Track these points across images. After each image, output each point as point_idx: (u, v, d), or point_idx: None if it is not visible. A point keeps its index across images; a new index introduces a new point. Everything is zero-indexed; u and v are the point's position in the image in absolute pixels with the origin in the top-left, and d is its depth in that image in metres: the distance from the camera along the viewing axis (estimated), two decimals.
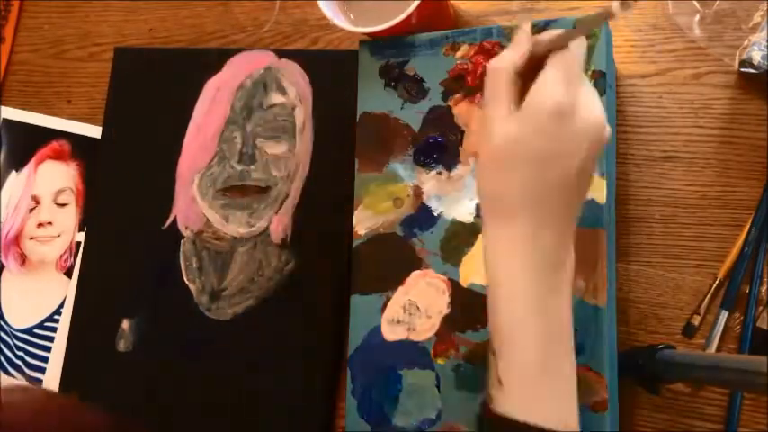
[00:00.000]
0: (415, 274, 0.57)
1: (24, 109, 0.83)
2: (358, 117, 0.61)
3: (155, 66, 0.75)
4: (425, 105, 0.59)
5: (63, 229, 0.79)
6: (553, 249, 0.41)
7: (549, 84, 0.40)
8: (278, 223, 0.67)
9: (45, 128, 0.81)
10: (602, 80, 0.54)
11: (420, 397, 0.55)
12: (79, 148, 0.79)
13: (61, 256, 0.78)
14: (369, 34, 0.60)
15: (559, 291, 0.42)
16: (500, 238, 0.42)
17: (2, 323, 0.79)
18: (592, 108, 0.41)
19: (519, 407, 0.40)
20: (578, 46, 0.42)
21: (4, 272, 0.80)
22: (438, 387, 0.55)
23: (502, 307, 0.42)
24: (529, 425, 0.39)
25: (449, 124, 0.58)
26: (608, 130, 0.42)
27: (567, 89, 0.39)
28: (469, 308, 0.55)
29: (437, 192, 0.58)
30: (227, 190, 0.70)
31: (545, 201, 0.41)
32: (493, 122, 0.41)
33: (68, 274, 0.77)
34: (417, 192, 0.58)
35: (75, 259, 0.77)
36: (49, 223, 0.79)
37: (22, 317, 0.78)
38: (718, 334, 0.57)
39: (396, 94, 0.60)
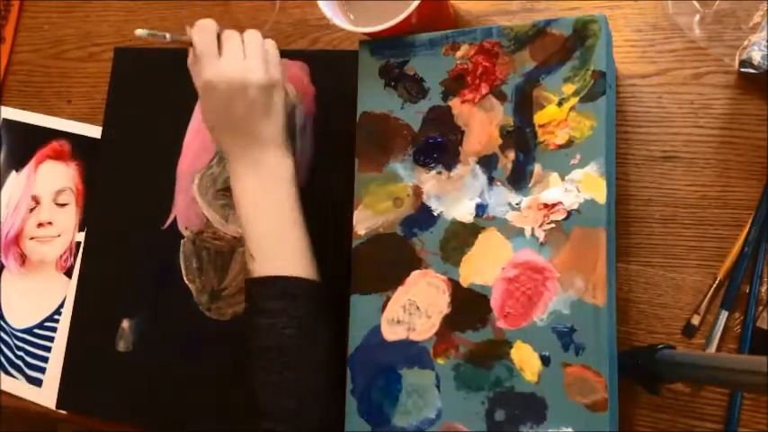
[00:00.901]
0: (415, 273, 0.57)
1: (24, 109, 0.83)
2: (358, 117, 0.61)
3: (155, 66, 0.75)
4: (425, 105, 0.59)
5: (63, 229, 0.79)
6: (261, 162, 0.59)
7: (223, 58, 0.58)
8: None
9: (45, 128, 0.82)
10: (602, 80, 0.54)
11: (420, 397, 0.55)
12: (79, 148, 0.80)
13: (61, 256, 0.78)
14: (369, 34, 0.60)
15: (277, 189, 0.59)
16: (230, 165, 0.60)
17: (2, 323, 0.79)
18: (222, 71, 0.58)
19: (265, 269, 0.57)
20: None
21: (4, 272, 0.80)
22: (438, 387, 0.55)
23: (242, 212, 0.59)
24: (273, 276, 0.57)
25: (449, 124, 0.58)
26: (252, 75, 0.57)
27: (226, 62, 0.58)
28: (469, 308, 0.55)
29: (437, 192, 0.58)
30: (227, 190, 0.70)
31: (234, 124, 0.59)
32: (204, 65, 0.58)
33: (68, 274, 0.77)
34: (417, 192, 0.58)
35: (75, 259, 0.77)
36: (49, 223, 0.79)
37: (21, 317, 0.78)
38: (718, 334, 0.57)
39: (396, 93, 0.60)
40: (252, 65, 0.58)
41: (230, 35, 0.59)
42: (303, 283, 0.57)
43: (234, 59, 0.58)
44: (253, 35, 0.59)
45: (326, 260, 0.65)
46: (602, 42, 0.54)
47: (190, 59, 0.60)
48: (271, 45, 0.60)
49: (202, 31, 0.58)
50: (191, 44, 0.59)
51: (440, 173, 0.58)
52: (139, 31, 0.57)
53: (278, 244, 0.58)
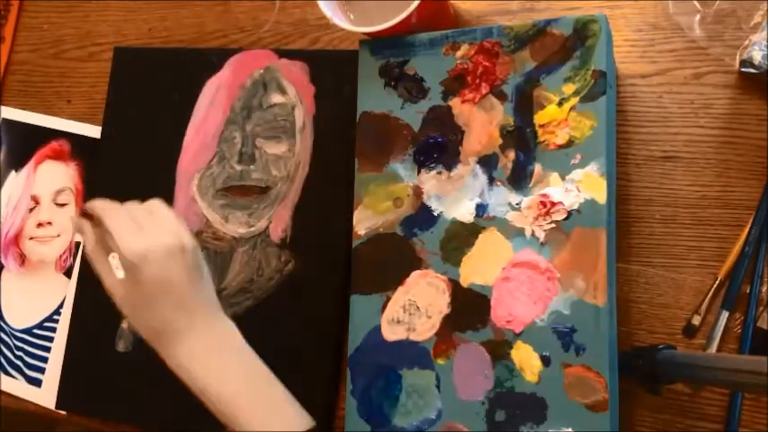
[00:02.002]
0: (415, 274, 0.57)
1: (24, 109, 0.83)
2: (358, 117, 0.61)
3: (155, 66, 0.75)
4: (425, 105, 0.59)
5: (62, 229, 0.79)
6: (211, 329, 0.54)
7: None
8: (278, 223, 0.67)
9: (44, 128, 0.81)
10: (602, 80, 0.54)
11: (420, 397, 0.55)
12: (79, 147, 0.79)
13: (61, 257, 0.78)
14: (369, 34, 0.60)
15: (234, 349, 0.55)
16: (178, 349, 0.54)
17: (1, 323, 0.79)
18: (154, 240, 0.52)
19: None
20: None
21: (4, 272, 0.80)
22: (438, 387, 0.55)
23: (203, 387, 0.54)
24: None
25: (449, 124, 0.58)
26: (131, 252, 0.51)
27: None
28: (469, 308, 0.55)
29: (437, 191, 0.58)
30: (226, 190, 0.70)
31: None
32: (129, 241, 0.52)
33: (68, 274, 0.77)
34: (417, 191, 0.58)
35: (74, 259, 0.77)
36: (49, 223, 0.79)
37: (21, 317, 0.78)
38: (719, 334, 0.57)
39: (396, 93, 0.60)
40: (176, 227, 0.54)
41: (135, 208, 0.55)
42: None
43: (158, 228, 0.53)
44: (156, 203, 0.56)
45: (327, 260, 0.65)
46: (603, 42, 0.54)
47: (89, 248, 0.55)
48: (169, 210, 0.56)
49: (109, 216, 0.53)
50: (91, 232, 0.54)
51: (440, 173, 0.58)
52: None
53: (251, 402, 0.53)
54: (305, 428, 0.52)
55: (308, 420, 0.53)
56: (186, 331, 0.53)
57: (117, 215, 0.53)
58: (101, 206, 0.55)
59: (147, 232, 0.52)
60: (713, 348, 0.57)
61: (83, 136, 0.80)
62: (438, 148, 0.58)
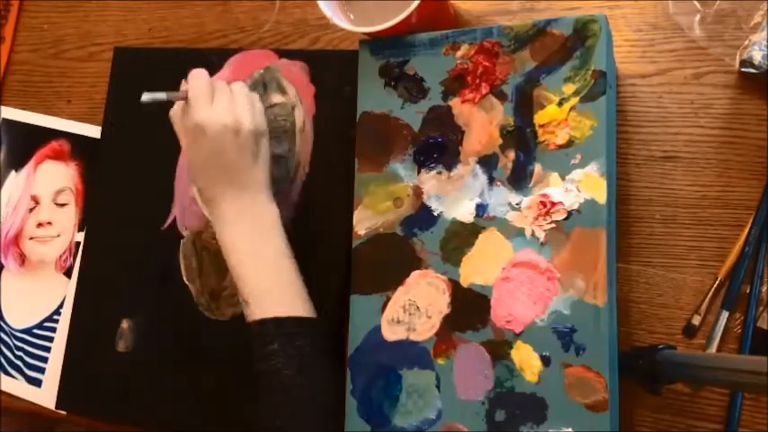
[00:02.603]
0: (415, 274, 0.57)
1: (24, 109, 0.83)
2: (358, 117, 0.61)
3: (154, 65, 0.75)
4: (425, 105, 0.59)
5: (62, 229, 0.79)
6: (250, 208, 0.60)
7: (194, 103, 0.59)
8: None
9: (44, 128, 0.81)
10: (602, 80, 0.53)
11: (420, 397, 0.55)
12: (79, 147, 0.79)
13: (60, 257, 0.78)
14: (369, 34, 0.60)
15: (267, 234, 0.60)
16: (218, 212, 0.60)
17: (1, 323, 0.79)
18: (216, 114, 0.58)
19: (262, 312, 0.57)
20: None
21: (4, 272, 0.80)
22: (438, 387, 0.55)
23: (232, 258, 0.59)
24: (269, 318, 0.57)
25: (449, 124, 0.58)
26: (238, 122, 0.58)
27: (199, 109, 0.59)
28: (469, 308, 0.55)
29: (437, 191, 0.58)
30: None
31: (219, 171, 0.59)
32: (197, 108, 0.58)
33: (68, 274, 0.77)
34: (417, 191, 0.58)
35: (74, 259, 0.77)
36: (49, 223, 0.79)
37: (21, 317, 0.78)
38: (719, 334, 0.57)
39: (396, 93, 0.60)
40: (242, 111, 0.59)
41: (220, 85, 0.60)
42: (298, 321, 0.58)
43: (226, 105, 0.58)
44: (240, 86, 0.61)
45: (327, 260, 0.65)
46: (603, 42, 0.54)
47: (174, 110, 0.61)
48: (256, 98, 0.62)
49: (197, 77, 0.59)
50: (185, 98, 0.59)
51: (440, 173, 0.58)
52: (144, 97, 0.58)
53: (271, 287, 0.59)
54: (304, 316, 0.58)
55: (311, 313, 0.59)
56: (231, 205, 0.59)
57: (201, 82, 0.59)
58: (197, 73, 0.60)
59: (214, 106, 0.58)
60: (713, 348, 0.57)
61: (83, 136, 0.80)
62: (438, 148, 0.58)
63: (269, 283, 0.59)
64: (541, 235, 0.53)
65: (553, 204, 0.54)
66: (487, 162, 0.56)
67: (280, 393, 0.56)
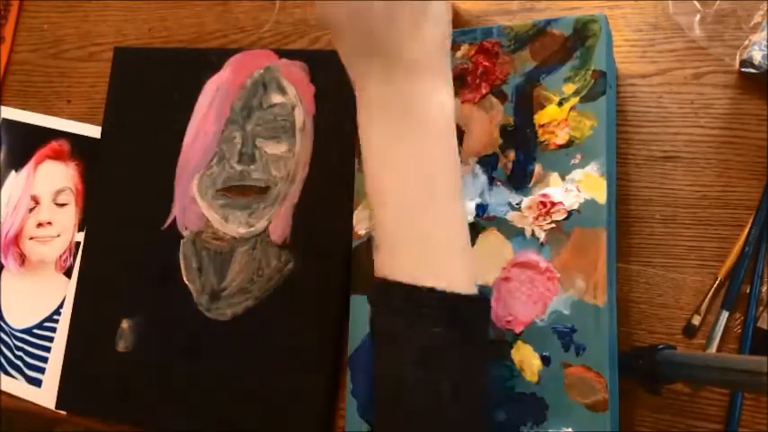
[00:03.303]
0: None
1: (24, 109, 0.83)
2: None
3: (154, 65, 0.75)
4: None
5: (62, 229, 0.79)
6: (407, 98, 0.41)
7: None
8: (278, 223, 0.67)
9: (44, 128, 0.81)
10: (602, 80, 0.53)
11: None
12: (79, 147, 0.79)
13: (60, 257, 0.78)
14: None
15: (429, 143, 0.41)
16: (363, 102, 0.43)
17: (1, 323, 0.79)
18: None
19: (396, 267, 0.41)
20: None
21: (4, 272, 0.80)
22: None
23: (370, 175, 0.43)
24: (402, 283, 0.40)
25: None
26: None
27: None
28: None
29: None
30: (226, 190, 0.70)
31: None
32: None
33: (68, 274, 0.77)
34: None
35: (74, 259, 0.77)
36: (49, 223, 0.79)
37: (21, 317, 0.78)
38: (719, 334, 0.57)
39: None
40: None
41: None
42: (443, 296, 0.40)
43: None
44: None
45: (327, 260, 0.65)
46: (603, 42, 0.54)
47: None
48: None
49: None
50: None
51: None
52: None
53: (420, 233, 0.41)
54: (470, 292, 0.41)
55: (470, 287, 0.42)
56: (392, 98, 0.41)
57: None
58: None
59: None
60: (713, 348, 0.57)
61: (83, 136, 0.80)
62: None
63: (417, 224, 0.42)
64: (541, 235, 0.53)
65: (553, 204, 0.53)
66: (487, 162, 0.56)
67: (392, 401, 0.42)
